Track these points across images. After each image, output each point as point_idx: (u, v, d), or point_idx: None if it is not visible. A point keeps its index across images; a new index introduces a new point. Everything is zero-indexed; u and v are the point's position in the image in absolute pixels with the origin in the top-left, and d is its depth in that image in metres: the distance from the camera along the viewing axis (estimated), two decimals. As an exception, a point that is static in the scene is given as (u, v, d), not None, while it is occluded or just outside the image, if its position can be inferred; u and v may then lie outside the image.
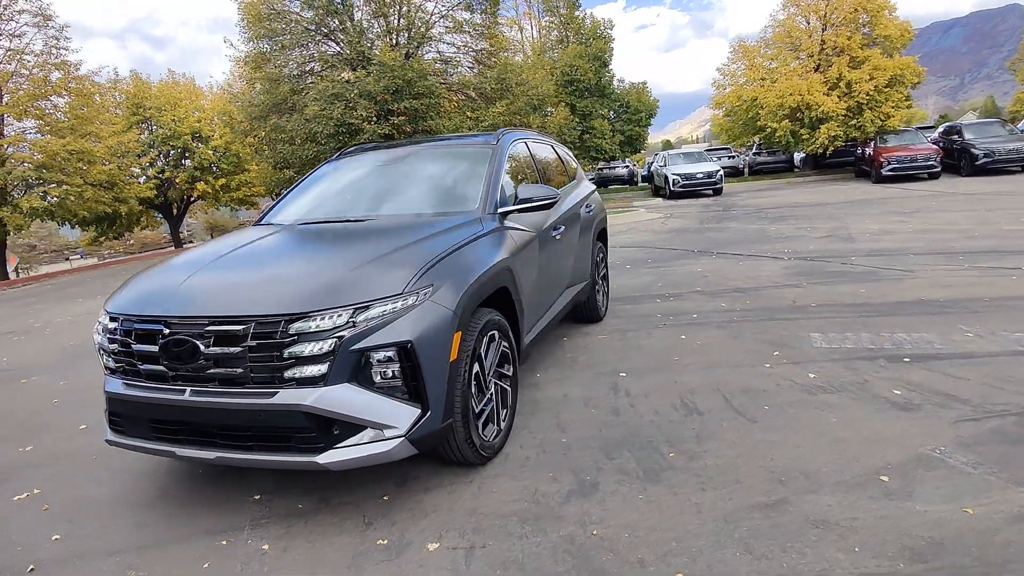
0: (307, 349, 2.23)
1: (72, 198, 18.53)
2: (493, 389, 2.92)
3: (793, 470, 2.56)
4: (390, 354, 2.30)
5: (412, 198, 3.63)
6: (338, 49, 11.76)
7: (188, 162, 25.51)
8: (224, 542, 2.38)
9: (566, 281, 4.36)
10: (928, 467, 2.49)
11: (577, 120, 21.67)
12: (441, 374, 2.42)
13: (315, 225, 3.42)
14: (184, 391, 2.35)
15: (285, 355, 2.23)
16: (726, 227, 11.95)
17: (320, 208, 3.74)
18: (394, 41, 12.23)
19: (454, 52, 13.42)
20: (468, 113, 12.20)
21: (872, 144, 18.94)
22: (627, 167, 33.40)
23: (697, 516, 2.28)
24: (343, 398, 2.24)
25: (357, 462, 2.30)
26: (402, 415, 2.32)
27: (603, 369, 4.13)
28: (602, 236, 5.67)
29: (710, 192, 20.30)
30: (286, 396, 2.23)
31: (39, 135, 18.85)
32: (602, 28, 22.34)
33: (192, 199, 28.00)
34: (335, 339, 2.23)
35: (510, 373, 3.12)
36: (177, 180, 24.85)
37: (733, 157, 28.83)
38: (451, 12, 12.41)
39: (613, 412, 3.38)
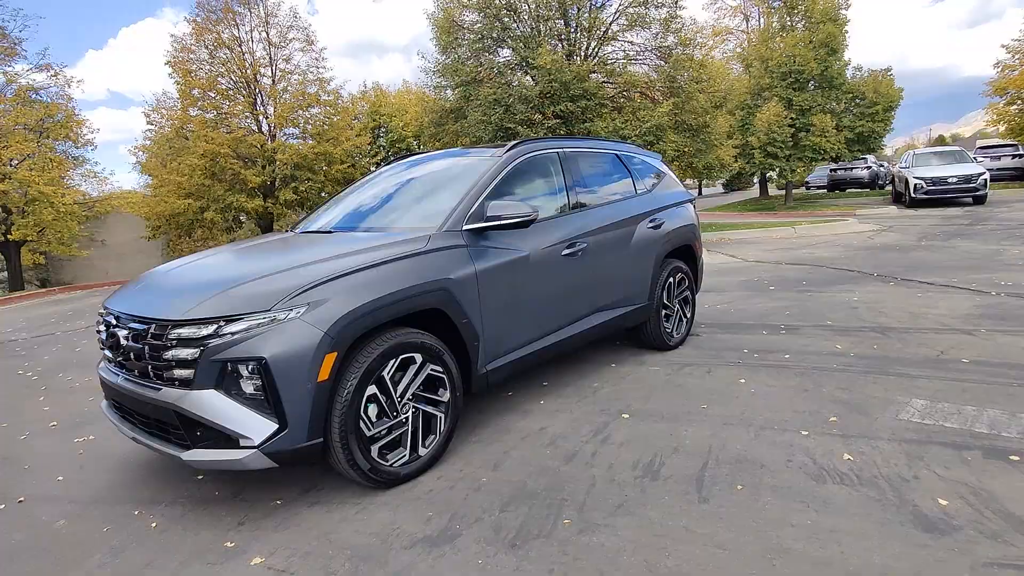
0: (180, 354, 2.44)
1: (315, 192, 22.45)
2: (410, 414, 2.84)
3: (679, 578, 2.02)
4: (251, 368, 2.39)
5: (394, 212, 3.68)
6: (507, 57, 12.22)
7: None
8: (136, 512, 2.75)
9: (591, 303, 3.97)
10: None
11: (793, 116, 19.20)
12: (304, 393, 2.44)
13: (300, 235, 3.69)
14: (119, 376, 2.76)
15: (166, 356, 2.48)
16: (950, 246, 9.56)
17: (327, 217, 3.98)
18: (567, 44, 12.26)
19: (636, 50, 12.93)
20: (632, 113, 11.65)
21: None
22: (869, 167, 28.59)
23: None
24: (206, 403, 2.41)
25: (213, 464, 2.46)
26: (258, 428, 2.40)
27: (613, 406, 3.69)
28: (683, 255, 5.02)
29: (969, 200, 16.37)
30: (165, 393, 2.48)
31: (295, 140, 23.14)
32: (835, 11, 19.31)
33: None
34: (200, 347, 2.41)
35: (445, 399, 2.99)
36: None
37: (1022, 156, 22.77)
38: (626, 9, 11.94)
39: (566, 459, 3.01)
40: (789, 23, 20.73)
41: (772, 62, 19.45)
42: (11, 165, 15.57)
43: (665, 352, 4.78)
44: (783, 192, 23.49)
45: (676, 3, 12.10)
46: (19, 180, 15.03)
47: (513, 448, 3.18)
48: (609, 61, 12.33)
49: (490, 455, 3.11)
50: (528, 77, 10.83)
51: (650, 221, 4.54)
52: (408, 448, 2.84)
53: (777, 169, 20.18)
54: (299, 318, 2.46)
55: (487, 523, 2.45)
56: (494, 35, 11.81)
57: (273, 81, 24.38)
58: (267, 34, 24.19)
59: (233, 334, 2.41)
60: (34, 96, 17.46)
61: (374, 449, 2.69)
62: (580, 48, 12.68)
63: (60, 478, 3.21)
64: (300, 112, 22.87)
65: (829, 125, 18.68)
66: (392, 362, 2.73)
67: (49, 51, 27.50)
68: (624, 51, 13.26)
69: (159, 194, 21.52)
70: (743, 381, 3.98)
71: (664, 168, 5.17)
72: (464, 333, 3.07)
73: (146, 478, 3.14)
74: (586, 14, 12.44)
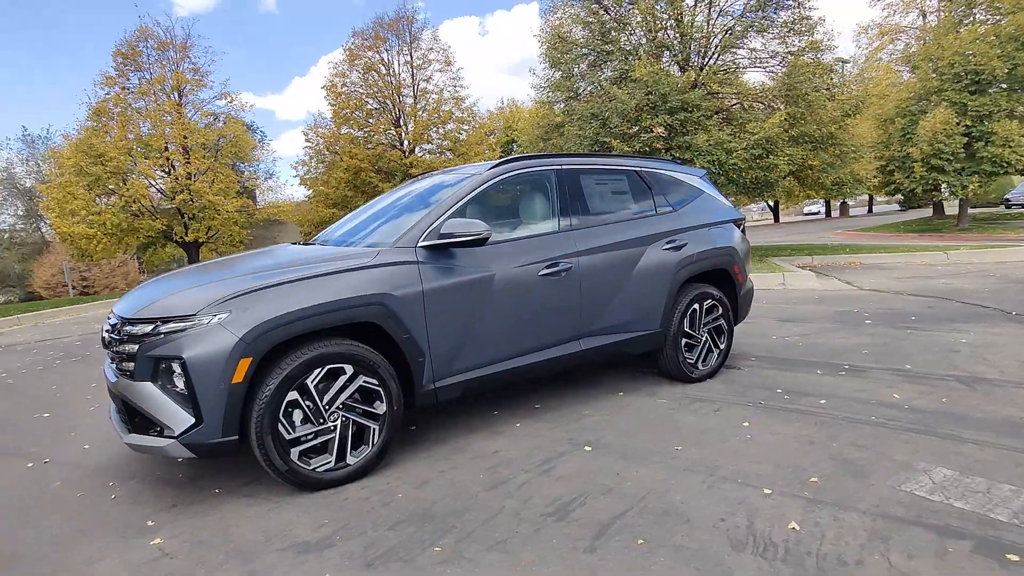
0: (128, 348, 2.77)
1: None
2: (338, 422, 2.93)
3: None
4: (176, 365, 2.65)
5: (373, 228, 3.79)
6: (610, 71, 11.94)
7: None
8: (110, 484, 3.15)
9: (578, 327, 3.78)
10: None
11: (968, 123, 16.49)
12: (219, 392, 2.64)
13: (289, 246, 3.96)
14: (111, 366, 3.19)
15: (120, 350, 2.83)
16: None
17: (334, 231, 4.22)
18: (679, 55, 11.71)
19: (754, 58, 11.96)
20: (741, 126, 10.74)
21: None
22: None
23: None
24: (143, 393, 2.71)
25: (144, 449, 2.75)
26: (179, 420, 2.65)
27: (584, 436, 3.48)
28: (715, 280, 4.57)
29: None
30: (118, 383, 2.84)
31: (430, 155, 24.66)
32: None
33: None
34: (139, 344, 2.72)
35: (380, 412, 3.04)
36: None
37: None
38: (744, 15, 11.09)
39: (492, 486, 2.90)
40: (970, 16, 17.91)
41: (943, 62, 16.91)
42: (191, 179, 18.54)
43: (687, 384, 4.39)
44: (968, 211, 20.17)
45: (801, 4, 11.04)
46: (194, 191, 17.84)
47: (453, 468, 3.14)
48: (722, 70, 11.58)
49: (426, 473, 3.10)
50: (625, 90, 10.53)
51: (667, 242, 4.21)
52: (334, 455, 2.93)
53: (944, 185, 17.45)
54: (219, 324, 2.67)
55: (364, 540, 2.45)
56: (598, 49, 11.68)
57: (414, 100, 26.41)
58: (410, 57, 26.35)
59: (165, 334, 2.69)
60: (213, 120, 20.67)
61: (294, 452, 2.82)
62: (692, 59, 12.08)
63: (86, 446, 3.78)
64: (435, 128, 24.50)
65: (1016, 133, 15.78)
66: (318, 371, 2.85)
67: (229, 81, 32.46)
68: (737, 60, 12.39)
69: (311, 203, 24.28)
70: (746, 424, 3.54)
71: (704, 185, 4.76)
72: (405, 348, 3.11)
73: (145, 459, 3.58)
74: (702, 21, 11.84)
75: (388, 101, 25.71)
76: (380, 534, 2.48)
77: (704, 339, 4.45)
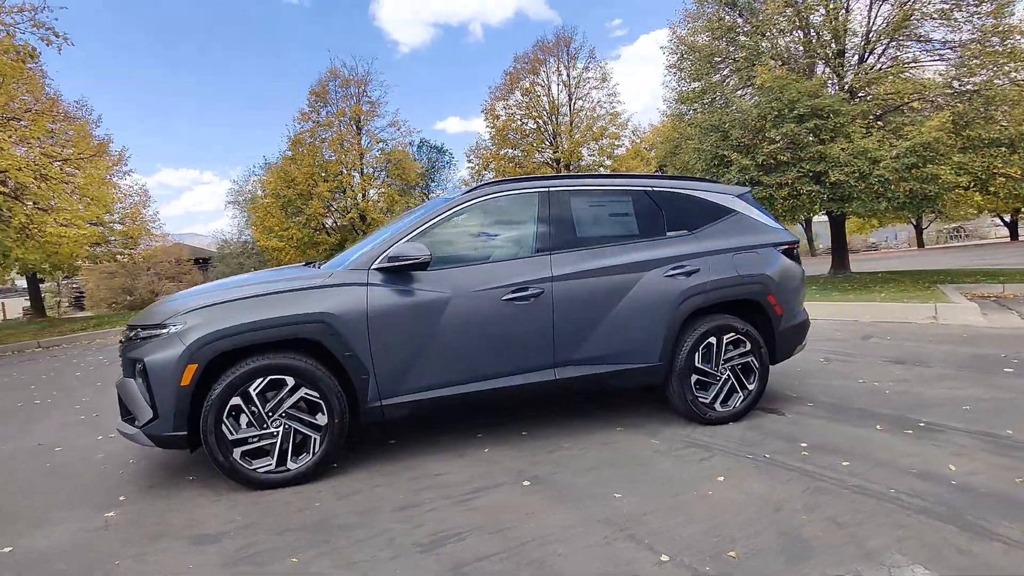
0: (124, 350, 3.31)
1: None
2: (280, 429, 3.18)
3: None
4: (141, 366, 3.11)
5: (360, 250, 3.97)
6: (733, 80, 10.87)
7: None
8: (130, 461, 3.75)
9: (549, 354, 3.60)
10: None
11: None
12: (170, 392, 3.03)
13: (290, 267, 4.33)
14: None
15: (121, 351, 3.39)
16: None
17: (347, 253, 4.50)
18: (818, 55, 10.35)
19: (925, 49, 10.07)
20: (892, 131, 9.02)
21: None
22: None
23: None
24: (126, 388, 3.22)
25: (125, 434, 3.24)
26: (144, 413, 3.10)
27: (538, 471, 3.29)
28: (742, 311, 4.03)
29: None
30: (119, 378, 3.39)
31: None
32: None
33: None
34: (122, 345, 3.24)
35: (322, 423, 3.23)
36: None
37: None
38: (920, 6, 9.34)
39: (398, 509, 2.90)
40: None
41: None
42: (363, 199, 20.99)
43: (703, 427, 3.92)
44: None
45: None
46: (363, 210, 20.13)
47: (387, 486, 3.20)
48: (883, 67, 10.01)
49: (359, 486, 3.21)
50: (745, 98, 9.64)
51: (673, 268, 3.83)
52: (275, 460, 3.18)
53: None
54: (175, 333, 3.08)
55: (246, 540, 2.62)
56: (723, 54, 10.85)
57: (570, 118, 26.85)
58: (567, 76, 26.87)
59: (141, 339, 3.17)
60: (383, 146, 23.20)
61: (237, 452, 3.12)
62: (844, 56, 10.67)
63: (111, 435, 4.52)
64: (588, 145, 24.70)
65: None
66: (260, 380, 3.13)
67: (399, 111, 35.98)
68: (906, 52, 10.63)
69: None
70: (720, 479, 3.08)
71: (738, 205, 4.23)
72: (347, 366, 3.26)
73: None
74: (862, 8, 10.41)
75: (543, 121, 26.51)
76: (264, 538, 2.65)
77: (725, 377, 3.95)
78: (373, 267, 3.40)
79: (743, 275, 3.96)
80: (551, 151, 26.45)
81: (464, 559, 2.40)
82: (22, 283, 27.48)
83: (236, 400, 3.10)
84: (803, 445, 3.51)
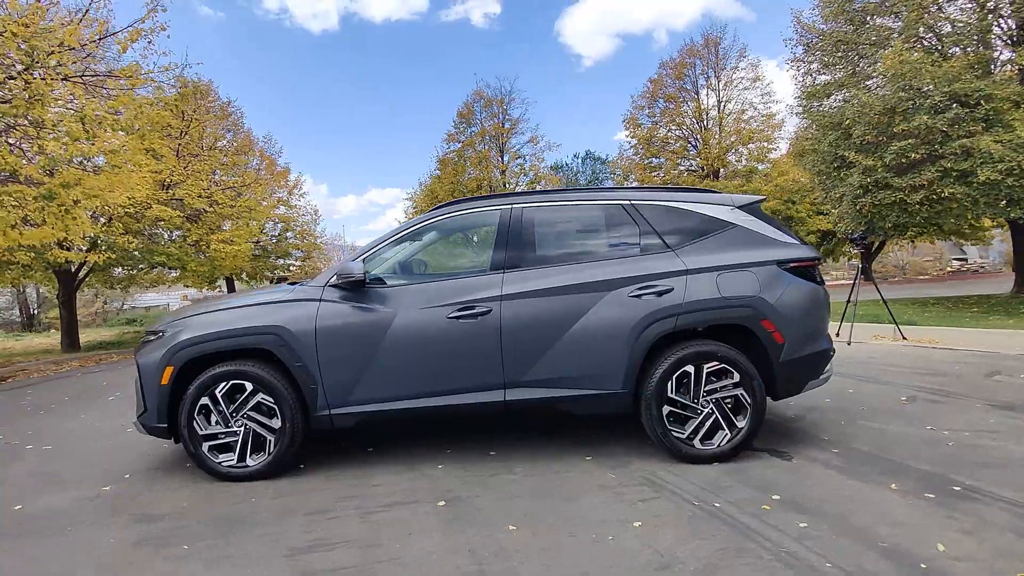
0: (141, 351, 3.95)
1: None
2: (242, 429, 3.55)
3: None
4: (137, 366, 3.68)
5: None
6: (862, 66, 9.19)
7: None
8: (165, 445, 4.42)
9: (495, 375, 3.51)
10: None
11: None
12: (155, 390, 3.54)
13: (269, 286, 4.68)
14: None
15: (141, 352, 4.03)
16: None
17: None
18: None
19: None
20: None
21: None
22: None
23: None
24: (137, 383, 3.83)
25: (134, 423, 3.83)
26: (139, 406, 3.66)
27: (465, 492, 3.24)
28: (730, 336, 3.55)
29: None
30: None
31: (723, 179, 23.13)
32: None
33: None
34: (138, 347, 3.85)
35: (276, 427, 3.54)
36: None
37: None
38: None
39: (310, 512, 3.07)
40: None
41: None
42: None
43: (680, 464, 3.55)
44: None
45: None
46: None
47: (321, 491, 3.37)
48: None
49: (300, 488, 3.42)
50: (871, 89, 8.29)
51: (641, 287, 3.53)
52: (236, 456, 3.55)
53: None
54: (161, 339, 3.61)
55: (165, 527, 2.95)
56: (847, 43, 9.43)
57: (719, 123, 25.22)
58: (716, 78, 25.30)
59: (144, 343, 3.76)
60: (522, 162, 23.91)
61: (205, 446, 3.54)
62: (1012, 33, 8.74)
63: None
64: (737, 149, 23.02)
65: None
66: (223, 384, 3.52)
67: (539, 126, 36.26)
68: None
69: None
70: (637, 525, 2.78)
71: (735, 217, 3.73)
72: (297, 375, 3.52)
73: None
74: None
75: (687, 127, 25.21)
76: (188, 524, 2.98)
77: (708, 411, 3.53)
78: (327, 284, 3.64)
79: (727, 296, 3.51)
80: (698, 158, 25.03)
81: (314, 569, 2.49)
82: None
83: (205, 400, 3.53)
84: (774, 498, 3.02)
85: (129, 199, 9.04)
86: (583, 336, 3.52)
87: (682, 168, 25.47)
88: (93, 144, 6.77)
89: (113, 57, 10.63)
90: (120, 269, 14.61)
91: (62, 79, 7.44)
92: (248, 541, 2.78)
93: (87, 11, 8.63)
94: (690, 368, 3.50)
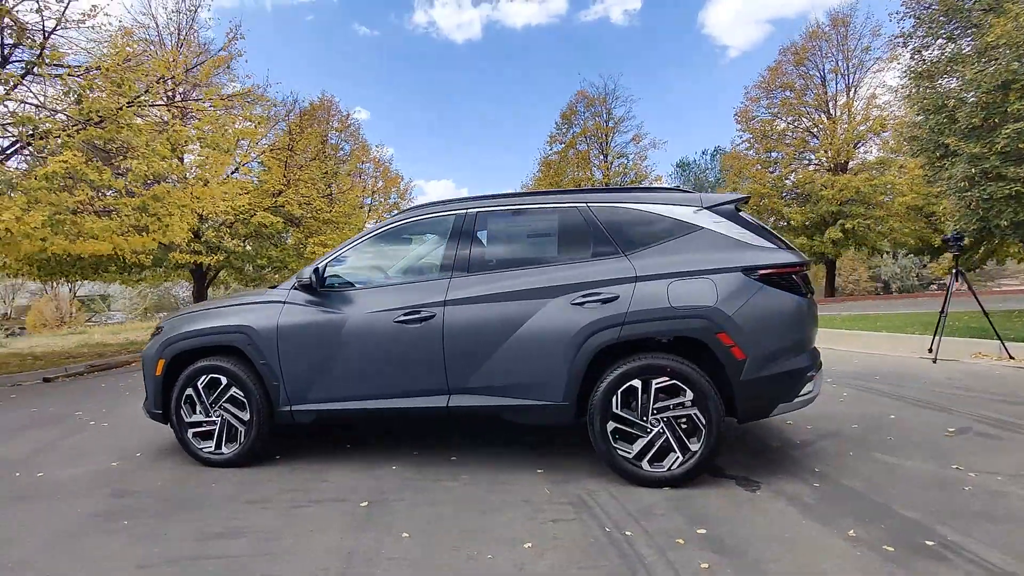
0: (153, 345, 4.44)
1: (864, 229, 19.73)
2: (219, 419, 3.87)
3: None
4: (142, 358, 4.15)
5: None
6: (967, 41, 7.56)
7: None
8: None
9: (439, 380, 3.49)
10: None
11: None
12: (152, 380, 3.98)
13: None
14: None
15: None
16: None
17: None
18: None
19: None
20: None
21: None
22: None
23: None
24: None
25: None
26: (143, 395, 4.14)
27: (396, 496, 3.27)
28: (684, 350, 3.24)
29: None
30: None
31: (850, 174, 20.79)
32: None
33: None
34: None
35: (246, 418, 3.82)
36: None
37: None
38: None
39: (250, 502, 3.27)
40: None
41: None
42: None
43: (625, 486, 3.32)
44: None
45: None
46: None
47: (272, 482, 3.56)
48: None
49: (259, 478, 3.64)
50: (977, 67, 6.99)
51: (584, 295, 3.33)
52: (214, 444, 3.88)
53: None
54: (159, 334, 4.04)
55: (131, 502, 3.32)
56: (958, 11, 8.02)
57: (848, 112, 22.71)
58: (846, 59, 22.79)
59: (151, 337, 4.24)
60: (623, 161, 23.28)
61: (190, 432, 3.90)
62: None
63: None
64: (865, 140, 20.65)
65: None
66: (204, 377, 3.86)
67: (643, 124, 34.16)
68: None
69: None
70: (528, 546, 2.66)
71: (702, 219, 3.38)
72: (262, 372, 3.76)
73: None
74: None
75: (809, 119, 22.90)
76: (136, 501, 3.31)
77: (658, 431, 3.26)
78: (293, 286, 3.87)
79: (677, 307, 3.21)
80: (822, 152, 22.61)
81: (207, 554, 2.67)
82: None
83: (190, 391, 3.90)
84: (699, 532, 2.74)
85: (228, 207, 10.25)
86: (524, 344, 3.40)
87: (803, 163, 23.23)
88: (182, 163, 7.78)
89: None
90: (250, 267, 16.55)
91: (170, 104, 8.63)
92: (179, 523, 3.03)
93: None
94: (636, 383, 3.25)
